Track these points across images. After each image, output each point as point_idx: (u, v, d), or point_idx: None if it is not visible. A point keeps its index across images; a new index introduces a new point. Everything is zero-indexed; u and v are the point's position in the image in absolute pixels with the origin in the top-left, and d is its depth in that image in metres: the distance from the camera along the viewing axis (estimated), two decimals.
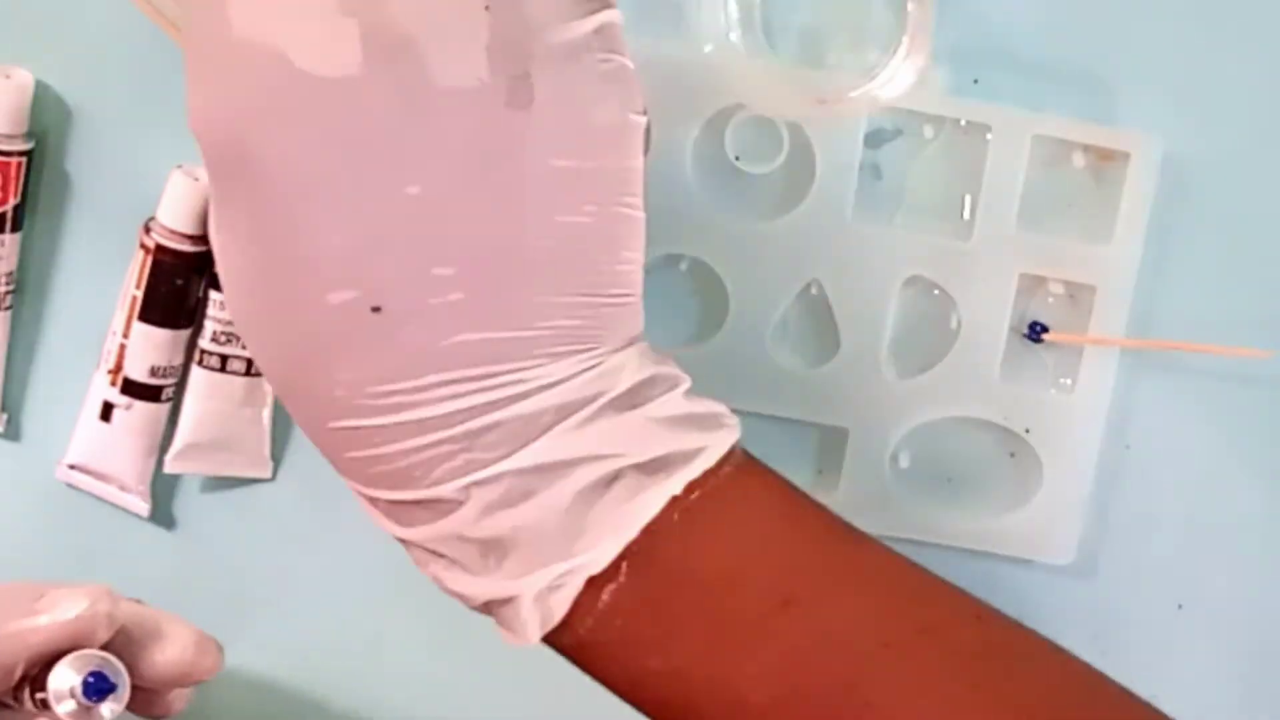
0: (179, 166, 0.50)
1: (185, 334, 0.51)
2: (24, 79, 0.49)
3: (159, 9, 0.49)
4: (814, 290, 0.52)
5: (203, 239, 0.50)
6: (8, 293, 0.51)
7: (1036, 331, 0.52)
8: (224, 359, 0.51)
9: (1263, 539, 0.55)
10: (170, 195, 0.50)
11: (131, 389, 0.50)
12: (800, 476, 0.53)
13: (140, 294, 0.50)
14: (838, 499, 0.53)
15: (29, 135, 0.50)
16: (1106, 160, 0.52)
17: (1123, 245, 0.52)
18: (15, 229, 0.50)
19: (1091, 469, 0.53)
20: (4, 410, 0.52)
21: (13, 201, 0.50)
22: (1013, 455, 0.54)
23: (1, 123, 0.49)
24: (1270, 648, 0.56)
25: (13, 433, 0.53)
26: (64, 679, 0.39)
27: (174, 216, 0.50)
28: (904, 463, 0.53)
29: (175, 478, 0.53)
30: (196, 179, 0.50)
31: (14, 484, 0.53)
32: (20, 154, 0.49)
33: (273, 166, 0.35)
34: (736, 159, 0.51)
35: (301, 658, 0.54)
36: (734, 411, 0.52)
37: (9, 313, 0.51)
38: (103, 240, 0.50)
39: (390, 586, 0.53)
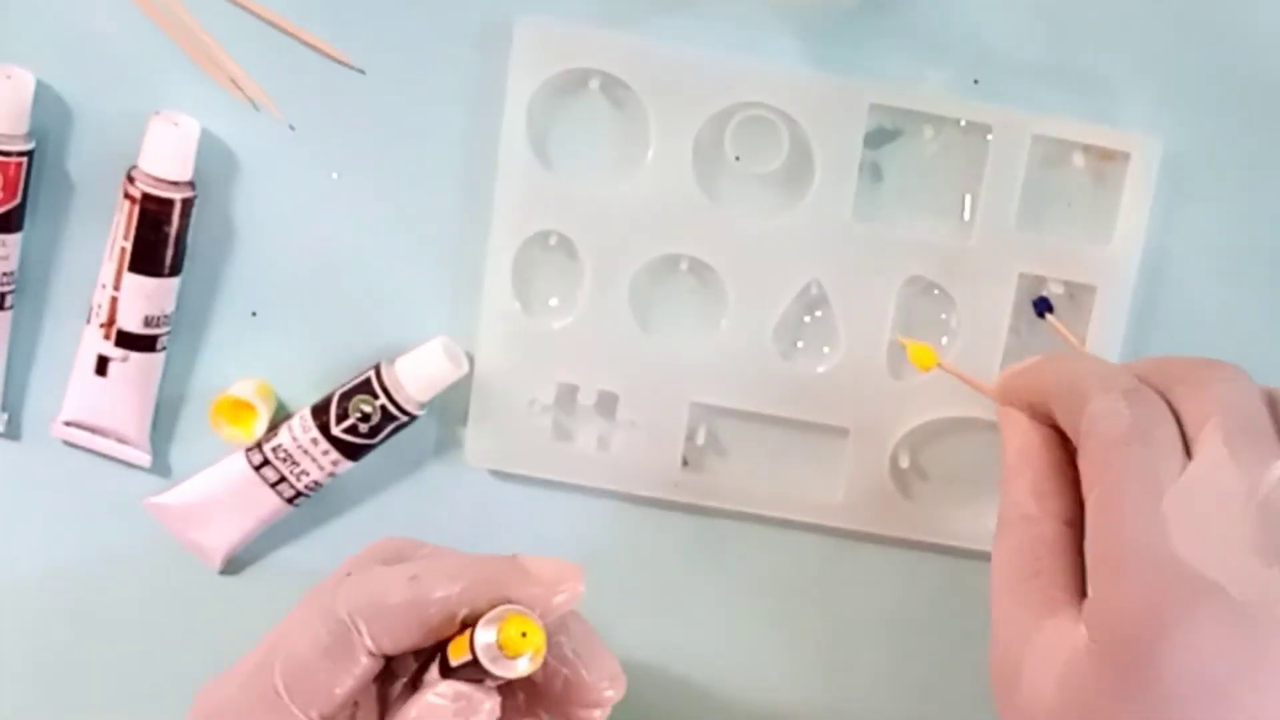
0: (157, 113, 0.50)
1: (176, 282, 0.51)
2: (24, 79, 0.49)
3: (161, 10, 0.49)
4: (814, 290, 0.52)
5: (188, 184, 0.50)
6: (8, 293, 0.51)
7: (1041, 307, 0.52)
8: (280, 478, 0.51)
9: None
10: (151, 142, 0.49)
11: (126, 341, 0.50)
12: (799, 476, 0.54)
13: (129, 245, 0.50)
14: (838, 499, 0.53)
15: (29, 135, 0.50)
16: (1106, 160, 0.52)
17: (1123, 245, 0.52)
18: (16, 229, 0.50)
19: None
20: (4, 410, 0.52)
21: (13, 202, 0.50)
22: None
23: (2, 123, 0.49)
24: None
25: (13, 431, 0.53)
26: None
27: (157, 163, 0.49)
28: (904, 463, 0.53)
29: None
30: (176, 124, 0.49)
31: (16, 479, 0.53)
32: (21, 154, 0.49)
33: (1172, 671, 0.37)
34: (737, 159, 0.51)
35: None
36: (732, 411, 0.53)
37: (9, 312, 0.51)
38: (103, 240, 0.50)
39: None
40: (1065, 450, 0.43)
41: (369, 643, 0.41)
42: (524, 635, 0.40)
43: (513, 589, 0.41)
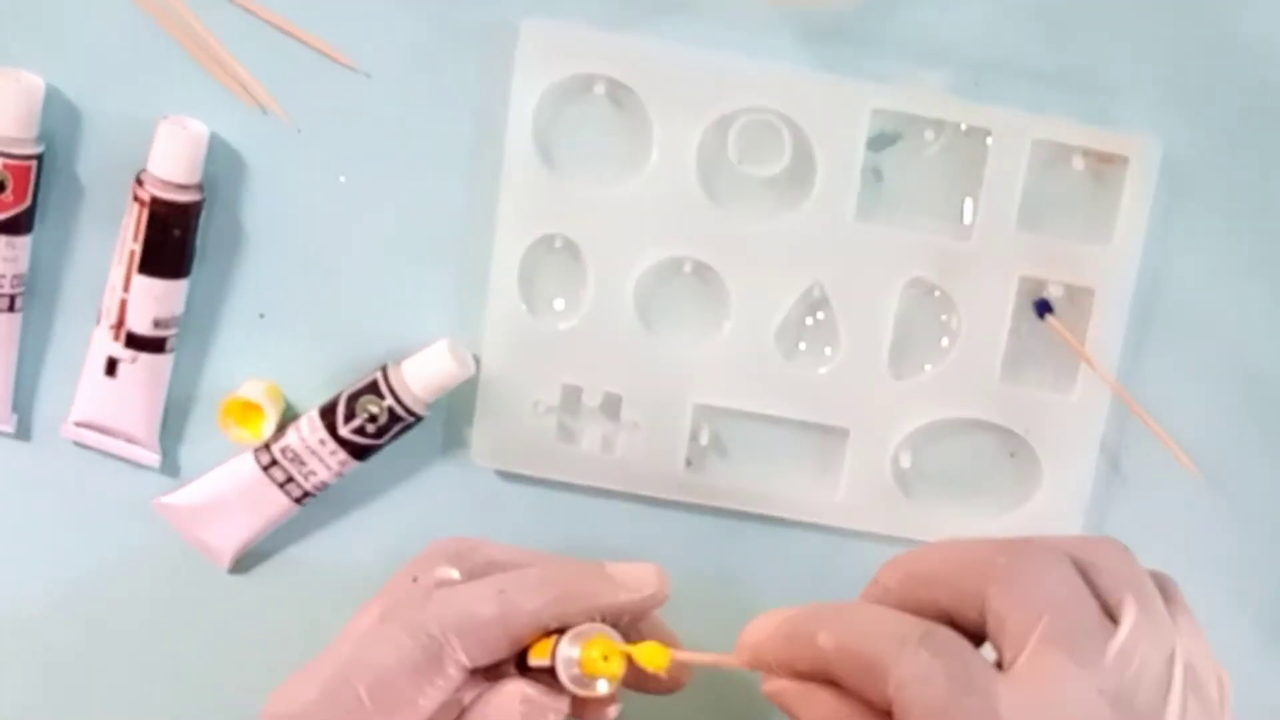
0: (165, 117, 0.50)
1: (184, 284, 0.51)
2: (34, 83, 0.50)
3: (169, 16, 0.50)
4: (816, 292, 0.53)
5: (196, 188, 0.50)
6: (18, 295, 0.51)
7: (1042, 309, 0.52)
8: (288, 478, 0.52)
9: (1262, 539, 0.55)
10: (160, 146, 0.50)
11: (135, 342, 0.51)
12: (800, 476, 0.54)
13: (139, 247, 0.50)
14: (838, 499, 0.53)
15: (39, 139, 0.50)
16: (1106, 163, 0.52)
17: (1122, 247, 0.52)
18: (26, 231, 0.51)
19: (1091, 469, 0.54)
20: (15, 410, 0.53)
21: (23, 204, 0.50)
22: (1013, 455, 0.54)
23: (12, 126, 0.49)
24: (1269, 647, 0.56)
25: (23, 432, 0.53)
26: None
27: (166, 167, 0.50)
28: (904, 463, 0.54)
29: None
30: (184, 128, 0.50)
31: (26, 479, 0.54)
32: (30, 157, 0.50)
33: None
34: (739, 162, 0.51)
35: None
36: (734, 412, 0.53)
37: (20, 314, 0.52)
38: (112, 243, 0.51)
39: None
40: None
41: (462, 657, 0.42)
42: (605, 659, 0.42)
43: (601, 598, 0.43)
